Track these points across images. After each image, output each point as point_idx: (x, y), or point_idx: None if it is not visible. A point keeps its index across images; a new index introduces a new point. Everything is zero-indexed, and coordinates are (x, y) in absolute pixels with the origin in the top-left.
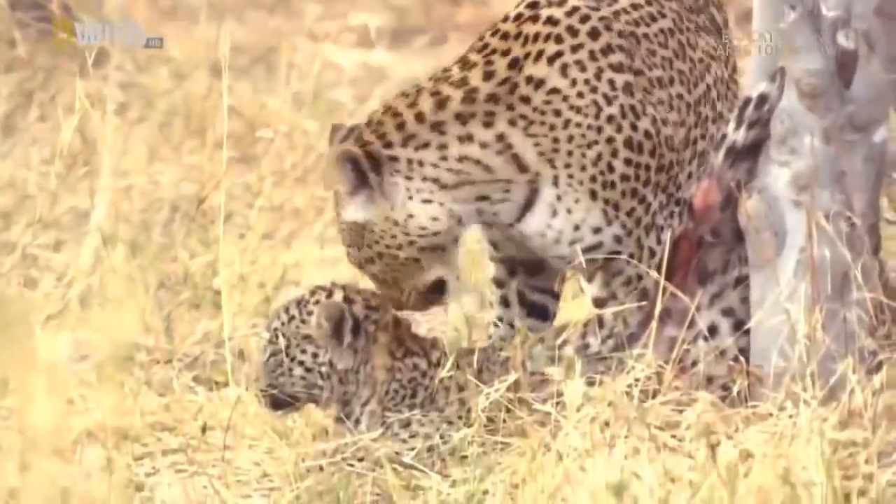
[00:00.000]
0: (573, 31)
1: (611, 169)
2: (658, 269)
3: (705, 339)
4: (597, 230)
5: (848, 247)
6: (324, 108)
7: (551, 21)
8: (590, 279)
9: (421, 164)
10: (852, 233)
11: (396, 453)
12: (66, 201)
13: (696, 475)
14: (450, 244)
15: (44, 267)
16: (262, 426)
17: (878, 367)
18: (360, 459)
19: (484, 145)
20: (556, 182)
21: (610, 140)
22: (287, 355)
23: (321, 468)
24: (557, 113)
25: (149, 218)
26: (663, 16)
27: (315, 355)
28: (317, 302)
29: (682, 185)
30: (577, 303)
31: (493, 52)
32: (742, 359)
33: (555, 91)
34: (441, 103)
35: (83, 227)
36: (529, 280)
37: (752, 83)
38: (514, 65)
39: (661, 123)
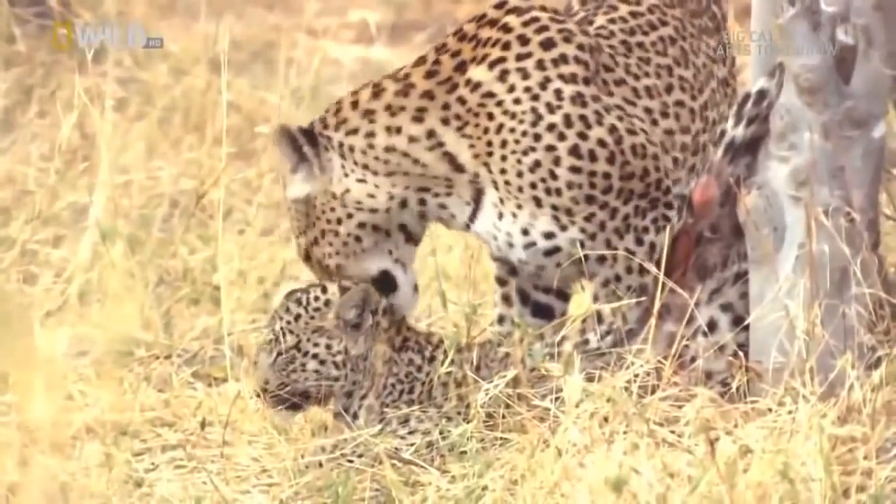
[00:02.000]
0: (524, 40)
1: (553, 176)
2: (657, 265)
3: (704, 334)
4: (549, 235)
5: (847, 242)
6: (323, 103)
7: (505, 28)
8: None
9: (351, 149)
10: (851, 228)
11: (395, 449)
12: (65, 197)
13: (695, 471)
14: (394, 229)
15: (43, 262)
16: (261, 422)
17: (877, 362)
18: (360, 455)
19: (412, 139)
20: (495, 186)
21: (550, 148)
22: (299, 351)
23: (320, 464)
24: (490, 116)
25: (148, 214)
26: (664, 24)
27: (329, 346)
28: (316, 298)
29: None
30: (576, 299)
31: (446, 51)
32: (741, 354)
33: (490, 95)
34: (377, 93)
35: (82, 223)
36: (533, 279)
37: (751, 79)
38: (460, 67)
39: (628, 133)
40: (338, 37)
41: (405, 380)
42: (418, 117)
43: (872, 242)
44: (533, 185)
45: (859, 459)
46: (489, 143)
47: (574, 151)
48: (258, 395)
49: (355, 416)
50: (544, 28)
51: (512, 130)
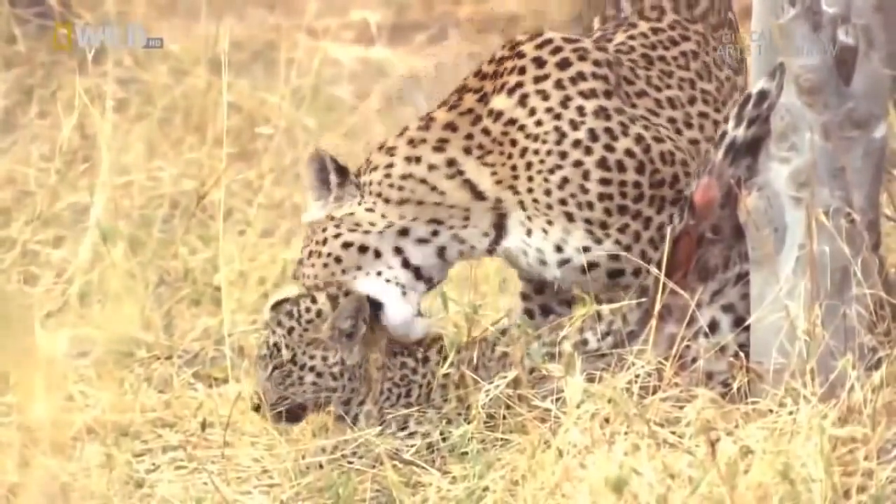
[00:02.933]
0: (539, 63)
1: (584, 190)
2: (659, 266)
3: (706, 335)
4: (585, 249)
5: (847, 243)
6: (323, 104)
7: (520, 55)
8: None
9: (370, 183)
10: (852, 229)
11: (396, 450)
12: (65, 197)
13: (695, 471)
14: (386, 251)
15: (43, 263)
16: (262, 423)
17: (878, 363)
18: (360, 456)
19: (432, 167)
20: (523, 206)
21: (578, 163)
22: (295, 364)
23: (321, 465)
24: (514, 143)
25: (148, 214)
26: (686, 39)
27: (325, 358)
28: (308, 309)
29: None
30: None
31: (468, 90)
32: (742, 355)
33: (512, 122)
34: (401, 133)
35: (83, 224)
36: (562, 294)
37: (752, 80)
38: (482, 99)
39: (655, 141)
40: (338, 37)
41: (400, 383)
42: (439, 147)
43: (873, 243)
44: (563, 202)
45: (860, 460)
46: (514, 168)
47: (602, 164)
48: (256, 410)
49: (356, 421)
50: (558, 49)
51: (536, 152)
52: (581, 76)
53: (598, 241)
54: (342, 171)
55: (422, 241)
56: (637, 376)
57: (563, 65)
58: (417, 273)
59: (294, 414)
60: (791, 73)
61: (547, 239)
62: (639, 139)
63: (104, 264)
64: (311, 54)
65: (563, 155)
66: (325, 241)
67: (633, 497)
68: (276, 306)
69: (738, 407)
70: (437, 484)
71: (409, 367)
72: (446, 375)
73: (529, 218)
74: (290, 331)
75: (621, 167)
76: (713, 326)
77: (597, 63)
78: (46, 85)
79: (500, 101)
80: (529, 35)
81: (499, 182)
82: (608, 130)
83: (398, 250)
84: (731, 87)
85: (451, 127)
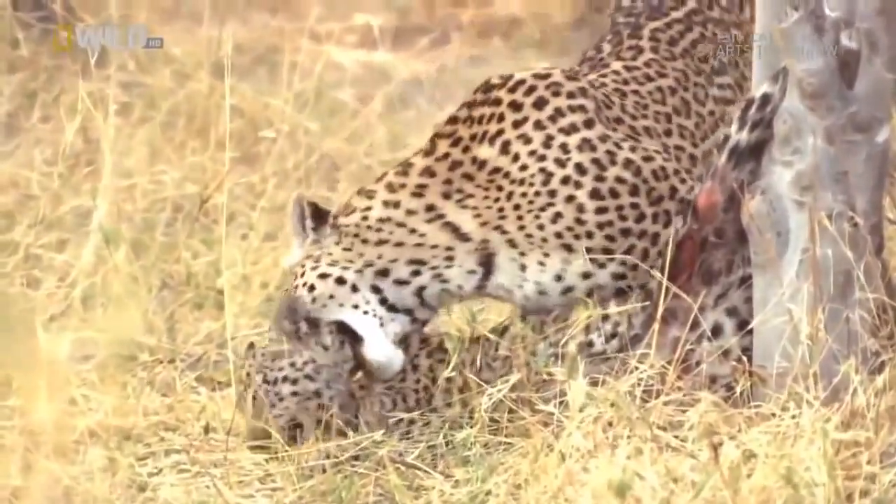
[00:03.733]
0: (516, 106)
1: (580, 222)
2: (662, 270)
3: (709, 339)
4: (587, 275)
5: (851, 247)
6: (326, 108)
7: (496, 102)
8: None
9: (348, 225)
10: (855, 233)
11: (399, 454)
12: (68, 201)
13: (698, 475)
14: (364, 287)
15: (46, 267)
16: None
17: (881, 367)
18: (365, 458)
19: (410, 212)
20: (513, 244)
21: (570, 198)
22: (268, 383)
23: (324, 468)
24: (500, 188)
25: (151, 218)
26: (663, 76)
27: (293, 364)
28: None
29: None
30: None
31: (442, 136)
32: (745, 359)
33: (496, 170)
34: (379, 178)
35: (86, 227)
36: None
37: (755, 84)
38: (456, 143)
39: (644, 160)
40: (341, 41)
41: (390, 391)
42: (418, 193)
43: (876, 247)
44: (558, 235)
45: (863, 464)
46: (501, 209)
47: (595, 195)
48: (260, 448)
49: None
50: (532, 88)
51: (524, 195)
52: (559, 112)
53: (602, 266)
54: (320, 215)
55: (401, 282)
56: (640, 380)
57: (540, 104)
58: (394, 308)
59: (292, 431)
60: (794, 77)
61: (545, 271)
62: (627, 164)
63: (107, 268)
64: (314, 58)
65: (553, 193)
66: (302, 275)
67: (636, 501)
68: (250, 348)
69: (741, 411)
70: (439, 487)
71: (398, 377)
72: (449, 379)
73: (522, 254)
74: (254, 356)
75: (615, 194)
76: (717, 330)
77: (571, 95)
78: (49, 89)
79: (483, 151)
80: (502, 79)
81: (484, 223)
82: (595, 161)
83: (376, 289)
84: (715, 122)
85: (428, 172)
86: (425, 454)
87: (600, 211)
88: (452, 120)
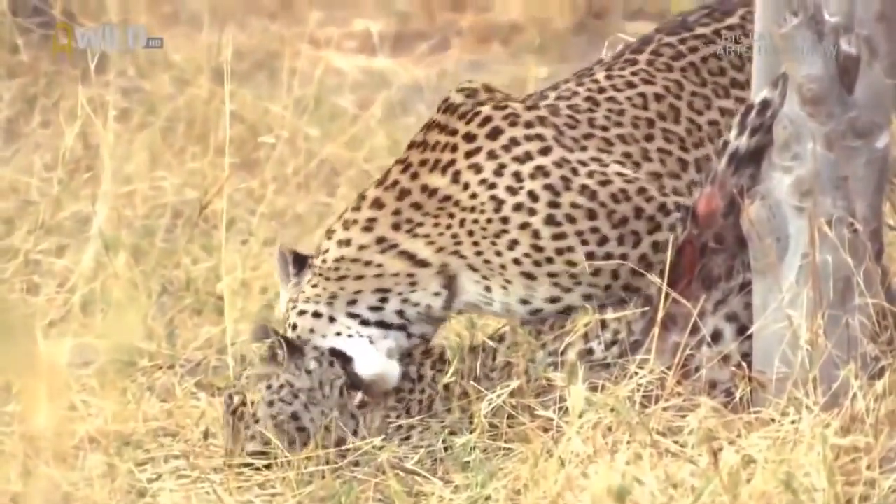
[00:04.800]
0: (469, 137)
1: (538, 249)
2: (662, 276)
3: (709, 344)
4: (553, 300)
5: (850, 252)
6: (326, 113)
7: (452, 132)
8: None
9: (315, 266)
10: (855, 238)
11: (399, 459)
12: (68, 207)
13: (698, 481)
14: (340, 316)
15: (46, 272)
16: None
17: (881, 372)
18: (361, 464)
19: (362, 247)
20: (472, 268)
21: (524, 225)
22: (245, 405)
23: (323, 474)
24: (451, 216)
25: (151, 223)
26: (649, 83)
27: (269, 386)
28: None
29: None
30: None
31: (398, 161)
32: (745, 365)
33: (447, 198)
34: (340, 214)
35: (85, 233)
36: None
37: (754, 89)
38: (406, 170)
39: (601, 185)
40: (341, 47)
41: (398, 405)
42: (368, 227)
43: (876, 252)
44: (517, 262)
45: (862, 469)
46: (455, 236)
47: (550, 221)
48: (247, 466)
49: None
50: (487, 119)
51: (475, 221)
52: (514, 142)
53: (568, 290)
54: (301, 262)
55: (374, 308)
56: (640, 385)
57: (494, 134)
58: (384, 325)
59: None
60: (794, 83)
61: (509, 295)
62: (583, 189)
63: (107, 274)
64: (314, 64)
65: (505, 220)
66: (286, 319)
67: None
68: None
69: (741, 416)
70: (439, 493)
71: (406, 388)
72: (447, 385)
73: (485, 277)
74: (237, 380)
75: (571, 220)
76: (717, 336)
77: (529, 125)
78: (49, 94)
79: (433, 180)
80: (460, 103)
81: (440, 249)
82: (549, 187)
83: (352, 314)
84: (717, 131)
85: (377, 204)
86: (425, 460)
87: (557, 237)
88: (410, 145)
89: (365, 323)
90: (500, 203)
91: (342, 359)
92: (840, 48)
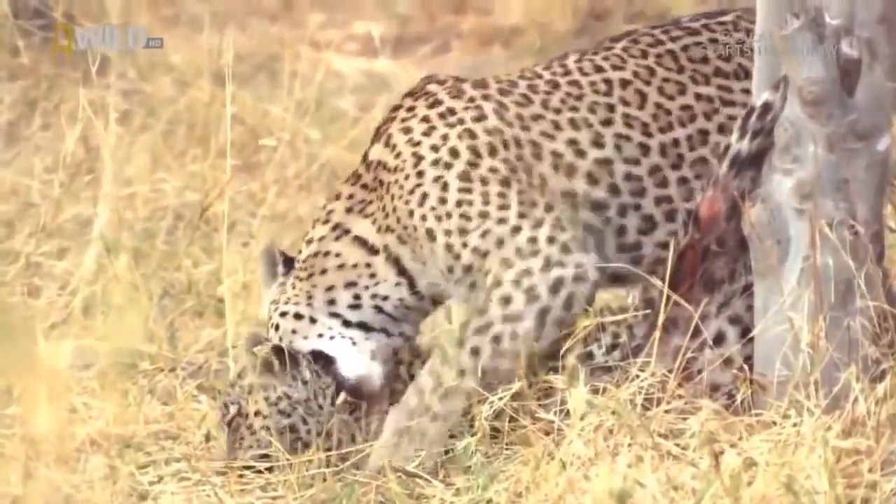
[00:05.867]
0: (410, 109)
1: (442, 201)
2: (664, 279)
3: (711, 347)
4: (450, 269)
5: (851, 255)
6: (327, 116)
7: (396, 107)
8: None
9: (295, 269)
10: (856, 241)
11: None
12: (69, 209)
13: (699, 483)
14: (322, 316)
15: (47, 275)
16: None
17: (882, 375)
18: (362, 467)
19: (321, 239)
20: (402, 240)
21: (437, 178)
22: (241, 415)
23: (324, 477)
24: (381, 183)
25: (152, 226)
26: (619, 69)
27: (267, 398)
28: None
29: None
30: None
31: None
32: (746, 367)
33: (379, 164)
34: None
35: (86, 236)
36: None
37: (755, 92)
38: (364, 158)
39: (526, 170)
40: (342, 49)
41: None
42: (326, 219)
43: (877, 255)
44: (423, 218)
45: (864, 472)
46: (383, 208)
47: (463, 176)
48: (248, 469)
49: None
50: (432, 94)
51: (396, 182)
52: (451, 111)
53: (457, 257)
54: (289, 262)
55: (353, 306)
56: (641, 388)
57: (433, 104)
58: (366, 327)
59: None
60: (794, 86)
61: (433, 267)
62: (506, 161)
63: (107, 276)
64: (315, 66)
65: (421, 174)
66: (269, 319)
67: None
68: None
69: (742, 419)
70: (440, 496)
71: (399, 389)
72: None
73: (412, 250)
74: (232, 387)
75: (484, 181)
76: (719, 338)
77: (471, 99)
78: (50, 97)
79: (372, 151)
80: (412, 89)
81: (379, 229)
82: (472, 149)
83: (334, 314)
84: (689, 117)
85: (336, 196)
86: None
87: (462, 191)
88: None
89: (347, 324)
90: (419, 159)
91: (325, 360)
92: (841, 50)
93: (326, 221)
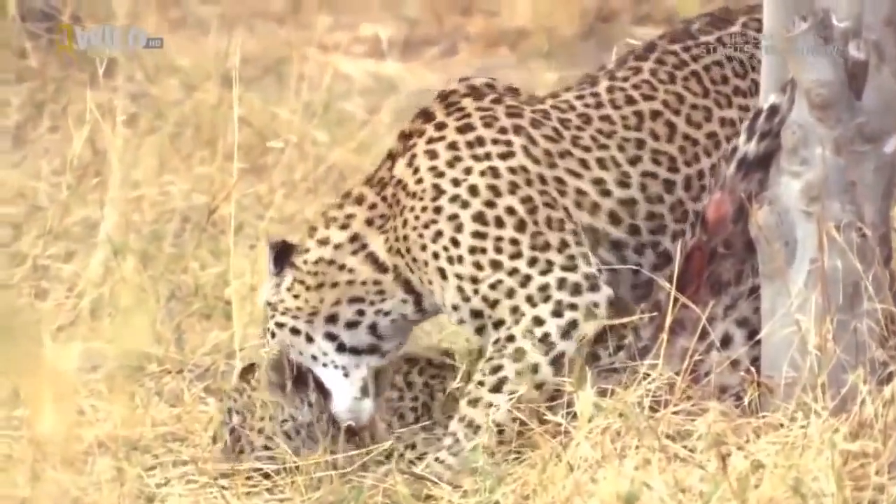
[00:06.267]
0: (440, 126)
1: (455, 243)
2: (671, 281)
3: (718, 349)
4: (455, 307)
5: (859, 257)
6: (334, 118)
7: (430, 117)
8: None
9: (295, 267)
10: (863, 243)
11: (409, 463)
12: (76, 212)
13: (706, 486)
14: (318, 337)
15: (54, 278)
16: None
17: (889, 377)
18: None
19: (338, 246)
20: (410, 269)
21: (453, 217)
22: (245, 427)
23: (332, 479)
24: (398, 202)
25: (159, 229)
26: (650, 98)
27: (272, 418)
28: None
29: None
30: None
31: (388, 153)
32: (753, 369)
33: (399, 183)
34: (325, 210)
35: (94, 238)
36: None
37: (763, 94)
38: (387, 160)
39: (544, 206)
40: (349, 52)
41: (386, 415)
42: (345, 224)
43: (884, 257)
44: (436, 256)
45: (871, 475)
46: (395, 230)
47: (479, 218)
48: (226, 477)
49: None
50: (466, 115)
51: (412, 209)
52: (479, 141)
53: (467, 300)
54: (286, 256)
55: (351, 324)
56: (648, 390)
57: (464, 129)
58: (356, 351)
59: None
60: (802, 88)
61: (440, 298)
62: (526, 200)
63: (115, 279)
64: (322, 69)
65: (438, 210)
66: (265, 320)
67: None
68: (243, 373)
69: (750, 421)
70: (448, 498)
71: (395, 396)
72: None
73: (420, 280)
74: (241, 393)
75: (500, 223)
76: (726, 340)
77: (502, 130)
78: (57, 99)
79: (398, 167)
80: (449, 99)
81: (390, 249)
82: (492, 187)
83: (330, 335)
84: (714, 145)
85: (359, 200)
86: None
87: (477, 236)
88: (398, 135)
89: (341, 349)
90: (440, 193)
91: (322, 390)
92: (848, 53)
93: (345, 227)
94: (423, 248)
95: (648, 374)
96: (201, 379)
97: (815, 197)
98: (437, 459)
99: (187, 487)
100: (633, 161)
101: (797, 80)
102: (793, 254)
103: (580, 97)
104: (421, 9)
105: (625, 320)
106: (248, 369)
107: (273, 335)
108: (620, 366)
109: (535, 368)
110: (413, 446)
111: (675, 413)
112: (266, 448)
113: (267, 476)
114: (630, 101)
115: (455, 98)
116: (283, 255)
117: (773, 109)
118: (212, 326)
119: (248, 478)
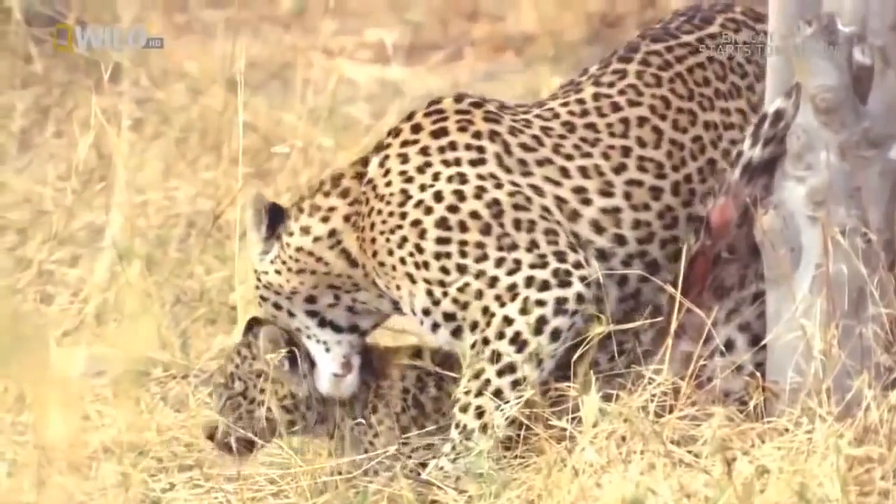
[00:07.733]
0: (416, 129)
1: (420, 249)
2: (674, 285)
3: (721, 354)
4: (426, 311)
5: (864, 262)
6: (339, 123)
7: (409, 118)
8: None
9: (279, 237)
10: (868, 248)
11: (413, 467)
12: (81, 217)
13: (711, 491)
14: (299, 313)
15: (59, 282)
16: (278, 441)
17: (894, 383)
18: (376, 473)
19: (317, 239)
20: (375, 272)
21: (416, 223)
22: (245, 398)
23: (337, 484)
24: (367, 202)
25: (164, 233)
26: (635, 104)
27: (276, 392)
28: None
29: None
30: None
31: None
32: (758, 374)
33: (369, 182)
34: (317, 189)
35: (99, 243)
36: None
37: (768, 99)
38: (366, 162)
39: (513, 208)
40: (354, 57)
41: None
42: (326, 217)
43: (889, 262)
44: (402, 261)
45: (876, 480)
46: (363, 230)
47: (441, 223)
48: (210, 438)
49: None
50: (443, 119)
51: (380, 212)
52: (452, 146)
53: (437, 303)
54: (278, 219)
55: (331, 305)
56: (653, 395)
57: (438, 133)
58: (337, 327)
59: (245, 447)
60: (807, 93)
61: (411, 302)
62: (493, 203)
63: (120, 283)
64: (328, 74)
65: (404, 215)
66: (256, 287)
67: None
68: (248, 329)
69: (755, 426)
70: (453, 503)
71: (384, 384)
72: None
73: (387, 286)
74: (244, 360)
75: (463, 227)
76: (729, 345)
77: (476, 135)
78: (63, 104)
79: (371, 165)
80: (430, 105)
81: (360, 247)
82: (457, 192)
83: (311, 313)
84: (700, 149)
85: (344, 194)
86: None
87: (441, 241)
88: (388, 131)
89: (322, 324)
90: (406, 198)
91: (310, 363)
92: (853, 58)
93: (325, 220)
94: (390, 252)
95: (653, 379)
96: (206, 384)
97: (819, 202)
98: (438, 467)
99: (192, 492)
100: (618, 170)
101: (802, 84)
102: (798, 259)
103: (565, 104)
104: (426, 14)
105: (627, 326)
106: (255, 322)
107: (259, 305)
108: (620, 371)
109: (512, 367)
110: (415, 450)
111: (679, 418)
112: (268, 421)
113: (276, 479)
114: (616, 108)
115: (436, 102)
116: (275, 220)
117: (778, 114)
118: (217, 331)
119: (253, 482)
